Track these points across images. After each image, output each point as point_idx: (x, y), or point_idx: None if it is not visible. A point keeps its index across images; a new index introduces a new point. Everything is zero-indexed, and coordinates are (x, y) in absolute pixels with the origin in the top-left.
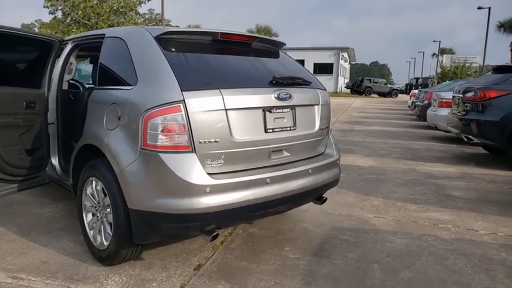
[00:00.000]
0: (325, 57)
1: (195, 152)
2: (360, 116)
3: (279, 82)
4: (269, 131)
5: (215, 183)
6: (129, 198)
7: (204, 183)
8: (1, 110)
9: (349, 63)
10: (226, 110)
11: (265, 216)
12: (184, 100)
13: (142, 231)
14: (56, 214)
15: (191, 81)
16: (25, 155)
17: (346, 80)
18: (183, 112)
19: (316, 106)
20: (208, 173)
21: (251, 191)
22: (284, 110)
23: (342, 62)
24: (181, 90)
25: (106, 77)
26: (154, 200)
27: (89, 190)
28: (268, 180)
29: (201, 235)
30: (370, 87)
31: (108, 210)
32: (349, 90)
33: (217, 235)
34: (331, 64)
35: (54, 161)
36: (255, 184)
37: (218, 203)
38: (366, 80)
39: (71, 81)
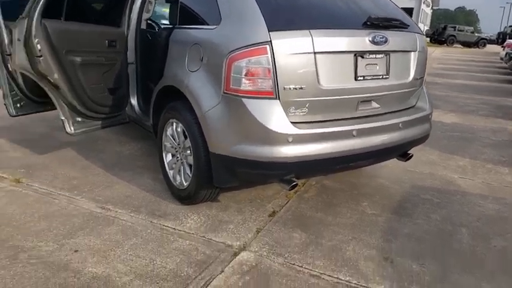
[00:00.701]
0: (404, 1)
1: (279, 98)
2: (441, 67)
3: (375, 24)
4: (359, 78)
5: (298, 133)
6: (211, 142)
7: (286, 132)
8: (87, 47)
9: (431, 8)
10: (315, 53)
11: (347, 169)
12: (271, 41)
13: (222, 176)
14: (136, 152)
15: (279, 20)
16: (107, 94)
17: (426, 28)
18: (269, 54)
19: (412, 53)
20: (291, 122)
21: (335, 143)
22: (378, 56)
23: (423, 6)
24: (268, 30)
25: (187, 16)
26: (236, 146)
27: (169, 131)
28: (354, 132)
29: (279, 183)
30: (453, 35)
31: (188, 152)
32: (429, 38)
33: (296, 185)
34: (411, 9)
35: (133, 101)
36: (340, 136)
37: (300, 154)
38: (449, 28)
39: (148, 21)
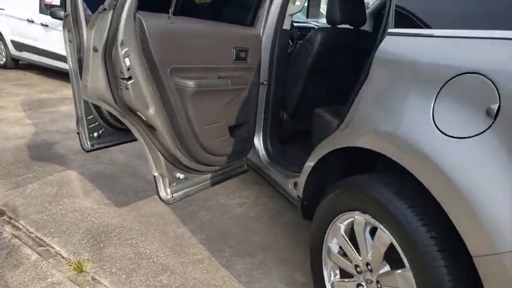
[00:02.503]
0: None
1: None
2: None
3: None
4: None
5: None
6: None
7: None
8: (205, 62)
9: None
10: None
11: None
12: None
13: None
14: (251, 212)
15: None
16: (227, 136)
17: None
18: None
19: None
20: None
21: None
22: None
23: None
24: None
25: (428, 11)
26: None
27: (343, 228)
28: None
29: None
30: None
31: None
32: None
33: None
34: None
35: (257, 141)
36: None
37: None
38: None
39: (293, 18)
